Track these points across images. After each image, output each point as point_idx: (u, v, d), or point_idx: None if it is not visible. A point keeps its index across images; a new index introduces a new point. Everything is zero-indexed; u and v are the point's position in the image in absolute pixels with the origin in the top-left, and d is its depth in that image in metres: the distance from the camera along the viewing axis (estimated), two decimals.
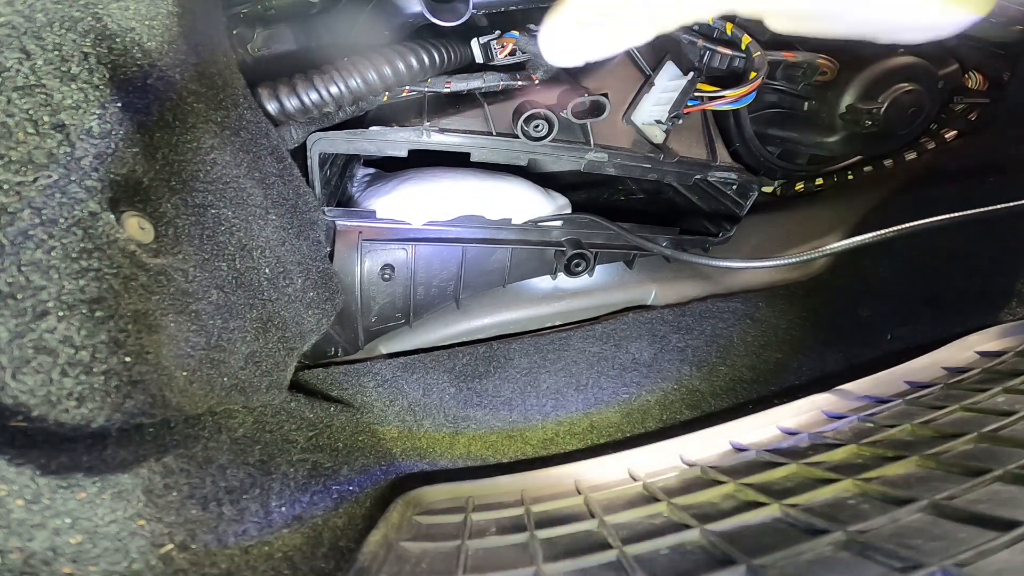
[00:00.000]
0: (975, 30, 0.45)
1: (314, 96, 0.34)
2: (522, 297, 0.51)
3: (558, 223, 0.47)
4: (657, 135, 0.45)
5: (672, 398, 0.47)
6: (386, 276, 0.43)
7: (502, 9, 0.38)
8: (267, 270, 0.33)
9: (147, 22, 0.26)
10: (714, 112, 0.49)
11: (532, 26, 0.41)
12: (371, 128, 0.39)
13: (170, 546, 0.21)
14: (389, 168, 0.51)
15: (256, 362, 0.30)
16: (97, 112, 0.22)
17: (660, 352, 0.48)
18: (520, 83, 0.39)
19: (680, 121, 0.42)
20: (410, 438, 0.43)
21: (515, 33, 0.39)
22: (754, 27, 0.43)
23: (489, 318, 0.50)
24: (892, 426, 0.31)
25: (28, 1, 0.21)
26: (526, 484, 0.37)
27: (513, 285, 0.49)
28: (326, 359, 0.47)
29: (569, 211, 0.49)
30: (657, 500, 0.29)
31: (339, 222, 0.41)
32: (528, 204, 0.46)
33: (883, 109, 0.47)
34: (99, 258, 0.20)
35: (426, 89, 0.39)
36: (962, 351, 0.43)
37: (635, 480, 0.34)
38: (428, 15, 0.35)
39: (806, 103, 0.51)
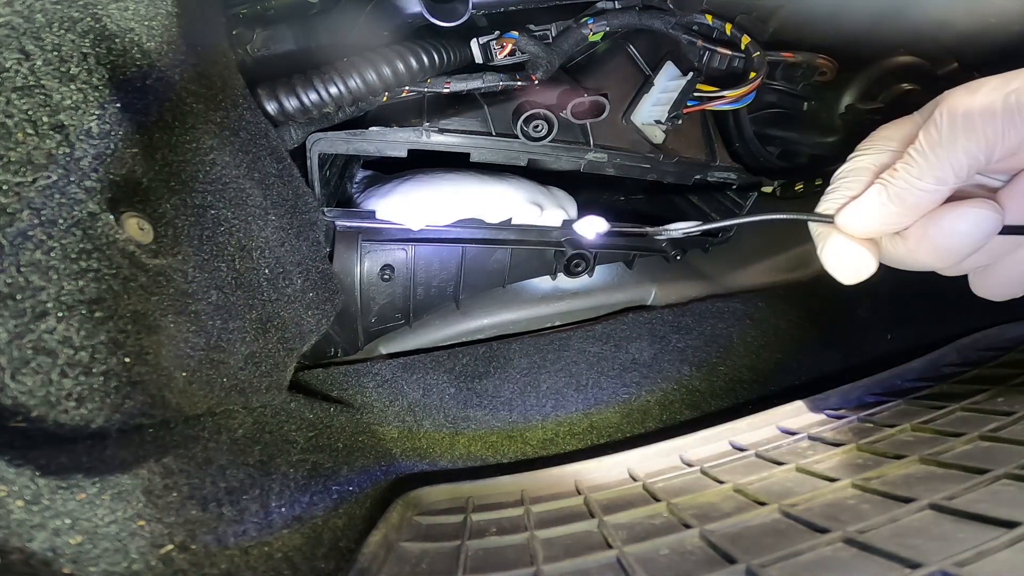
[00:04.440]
0: (975, 30, 0.45)
1: (313, 97, 0.34)
2: (522, 297, 0.51)
3: (558, 223, 0.46)
4: (657, 135, 0.45)
5: (672, 398, 0.47)
6: (386, 276, 0.43)
7: (502, 9, 0.38)
8: (266, 271, 0.33)
9: (146, 23, 0.26)
10: (714, 112, 0.49)
11: (532, 26, 0.41)
12: (371, 128, 0.39)
13: (170, 547, 0.21)
14: (389, 169, 0.51)
15: (256, 363, 0.30)
16: (96, 113, 0.22)
17: (660, 352, 0.48)
18: (520, 83, 0.39)
19: (680, 121, 0.42)
20: (410, 438, 0.43)
21: (515, 33, 0.39)
22: (754, 27, 0.43)
23: (489, 318, 0.50)
24: (892, 426, 0.31)
25: (27, 1, 0.21)
26: (526, 484, 0.37)
27: (513, 285, 0.49)
28: (326, 359, 0.47)
29: (574, 209, 0.49)
30: (657, 500, 0.29)
31: (338, 223, 0.41)
32: (529, 206, 0.46)
33: (883, 109, 0.47)
34: (98, 259, 0.20)
35: (425, 89, 0.39)
36: (962, 351, 0.43)
37: (635, 480, 0.34)
38: (427, 15, 0.35)
39: (806, 103, 0.51)
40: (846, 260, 0.25)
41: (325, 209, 0.41)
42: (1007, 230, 0.22)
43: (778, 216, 0.27)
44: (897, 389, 0.39)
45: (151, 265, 0.23)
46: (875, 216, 0.23)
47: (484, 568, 0.26)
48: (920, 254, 0.23)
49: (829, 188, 0.26)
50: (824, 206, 0.26)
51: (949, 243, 0.22)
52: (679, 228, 0.29)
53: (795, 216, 0.26)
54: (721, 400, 0.47)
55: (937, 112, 0.21)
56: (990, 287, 0.25)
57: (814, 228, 0.26)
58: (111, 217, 0.21)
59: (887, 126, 0.25)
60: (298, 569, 0.26)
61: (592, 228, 0.32)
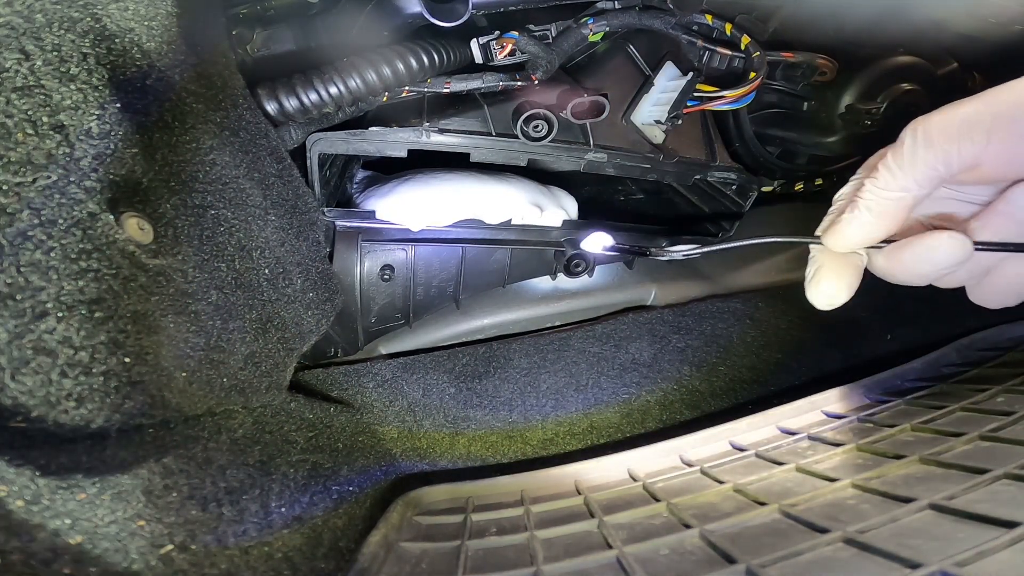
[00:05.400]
0: (975, 30, 0.45)
1: (313, 97, 0.34)
2: (522, 297, 0.51)
3: (558, 223, 0.46)
4: (656, 135, 0.45)
5: (672, 398, 0.47)
6: (386, 277, 0.43)
7: (502, 9, 0.38)
8: (266, 271, 0.33)
9: (146, 23, 0.26)
10: (713, 112, 0.49)
11: (532, 26, 0.41)
12: (370, 128, 0.39)
13: (170, 547, 0.21)
14: (389, 169, 0.51)
15: (256, 363, 0.30)
16: (96, 113, 0.22)
17: (660, 352, 0.48)
18: (520, 83, 0.39)
19: (680, 121, 0.42)
20: (410, 438, 0.43)
21: (515, 33, 0.39)
22: (754, 27, 0.43)
23: (489, 318, 0.50)
24: (892, 426, 0.31)
25: (27, 2, 0.21)
26: (526, 484, 0.37)
27: (513, 285, 0.49)
28: (326, 359, 0.47)
29: (575, 208, 0.49)
30: (657, 500, 0.29)
31: (338, 223, 0.41)
32: (529, 206, 0.46)
33: (882, 109, 0.47)
34: (98, 259, 0.20)
35: (425, 89, 0.39)
36: (962, 351, 0.43)
37: (635, 480, 0.34)
38: (427, 15, 0.35)
39: (805, 103, 0.51)
40: (823, 287, 0.27)
41: (325, 209, 0.41)
42: (981, 247, 0.24)
43: (776, 239, 0.29)
44: (897, 389, 0.39)
45: (151, 265, 0.23)
46: (853, 229, 0.25)
47: (484, 568, 0.26)
48: (895, 272, 0.25)
49: (831, 210, 0.28)
50: (823, 226, 0.28)
51: (916, 267, 0.24)
52: (680, 251, 0.30)
53: (790, 239, 0.29)
54: (721, 400, 0.47)
55: (903, 132, 0.24)
56: (985, 297, 0.27)
57: (812, 250, 0.29)
58: (111, 217, 0.21)
59: (881, 152, 0.27)
60: (298, 569, 0.26)
61: (599, 243, 0.33)
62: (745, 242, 0.32)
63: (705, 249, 0.30)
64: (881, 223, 0.24)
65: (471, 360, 0.47)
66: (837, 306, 0.27)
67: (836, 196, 0.28)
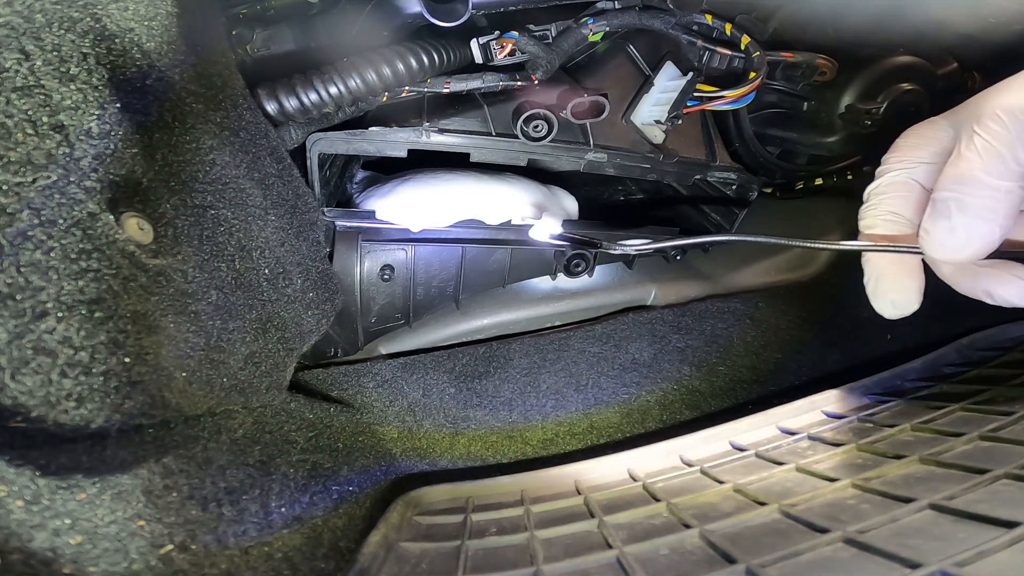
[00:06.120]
0: (975, 30, 0.45)
1: (313, 97, 0.34)
2: (522, 297, 0.51)
3: (558, 224, 0.46)
4: (656, 135, 0.45)
5: (672, 398, 0.47)
6: (385, 276, 0.43)
7: (502, 9, 0.38)
8: (266, 271, 0.33)
9: (146, 23, 0.26)
10: (713, 112, 0.49)
11: (532, 26, 0.41)
12: (371, 128, 0.39)
13: (170, 547, 0.21)
14: (389, 169, 0.51)
15: (256, 363, 0.30)
16: (96, 113, 0.22)
17: (660, 352, 0.48)
18: (520, 83, 0.39)
19: (680, 121, 0.42)
20: (410, 438, 0.43)
21: (515, 33, 0.39)
22: (754, 27, 0.43)
23: (489, 318, 0.50)
24: (892, 426, 0.31)
25: (27, 2, 0.21)
26: (526, 484, 0.37)
27: (513, 285, 0.49)
28: (326, 360, 0.47)
29: (575, 208, 0.49)
30: (657, 500, 0.29)
31: (338, 223, 0.41)
32: (529, 206, 0.46)
33: (883, 109, 0.47)
34: (98, 259, 0.20)
35: (425, 89, 0.39)
36: (962, 351, 0.43)
37: (635, 480, 0.34)
38: (427, 15, 0.35)
39: (805, 103, 0.51)
40: (892, 296, 0.25)
41: (325, 209, 0.41)
42: None
43: (854, 244, 0.25)
44: (897, 389, 0.39)
45: (151, 265, 0.23)
46: (974, 237, 0.21)
47: (484, 568, 0.26)
48: (955, 286, 0.24)
49: (866, 205, 0.25)
50: (866, 223, 0.25)
51: (976, 295, 0.23)
52: (633, 244, 0.29)
53: (871, 246, 0.25)
54: (721, 400, 0.47)
55: (993, 111, 0.20)
56: None
57: (867, 257, 0.25)
58: (111, 217, 0.21)
59: (910, 134, 0.25)
60: (298, 569, 0.26)
61: (546, 231, 0.32)
62: (699, 240, 0.30)
63: (658, 245, 0.29)
64: (1001, 222, 0.21)
65: (471, 360, 0.47)
66: (908, 314, 0.25)
67: (871, 189, 0.25)
